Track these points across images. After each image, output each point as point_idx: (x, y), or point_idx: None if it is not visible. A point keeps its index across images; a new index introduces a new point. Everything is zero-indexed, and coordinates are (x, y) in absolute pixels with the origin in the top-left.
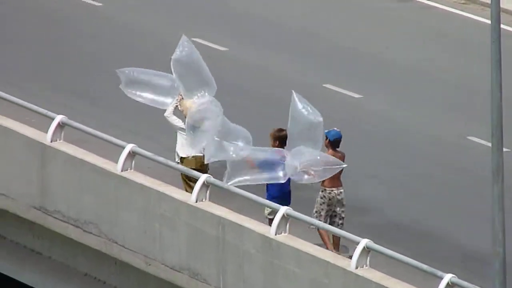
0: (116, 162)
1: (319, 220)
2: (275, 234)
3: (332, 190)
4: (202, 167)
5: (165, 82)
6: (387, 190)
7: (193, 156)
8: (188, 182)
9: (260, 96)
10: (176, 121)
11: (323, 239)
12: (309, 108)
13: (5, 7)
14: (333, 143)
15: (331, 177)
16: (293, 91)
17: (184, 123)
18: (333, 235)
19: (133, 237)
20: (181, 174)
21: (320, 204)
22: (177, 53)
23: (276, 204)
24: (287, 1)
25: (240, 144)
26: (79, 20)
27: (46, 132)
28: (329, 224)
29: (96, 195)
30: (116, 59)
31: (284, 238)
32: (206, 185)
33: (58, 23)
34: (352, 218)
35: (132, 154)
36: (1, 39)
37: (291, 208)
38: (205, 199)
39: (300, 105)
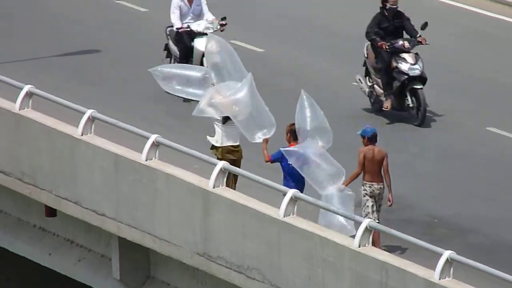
0: (278, 207)
1: (368, 212)
2: (439, 279)
3: (372, 184)
4: (236, 156)
5: (197, 73)
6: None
7: (227, 146)
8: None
9: None
10: (212, 113)
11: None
12: (313, 111)
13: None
14: (371, 138)
15: (371, 171)
16: (302, 90)
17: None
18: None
19: (297, 282)
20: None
21: (364, 196)
22: (209, 46)
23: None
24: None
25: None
26: None
27: (208, 178)
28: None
29: (258, 240)
30: None
31: (448, 282)
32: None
33: None
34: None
35: (294, 199)
36: None
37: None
38: (293, 213)
39: (306, 106)
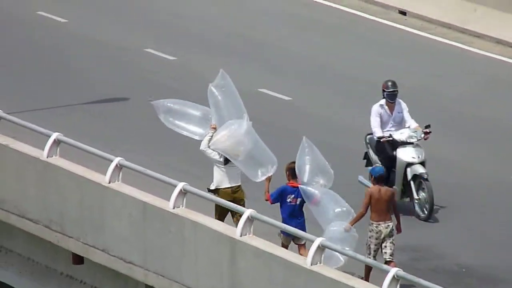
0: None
1: (368, 252)
2: None
3: (379, 224)
4: (236, 197)
5: (197, 112)
6: None
7: (228, 188)
8: (221, 212)
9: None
10: (213, 154)
11: (365, 272)
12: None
13: None
14: (377, 178)
15: (379, 211)
16: (304, 137)
17: (218, 156)
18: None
19: None
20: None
21: (369, 238)
22: (214, 84)
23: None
24: None
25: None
26: None
27: (236, 226)
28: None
29: None
30: None
31: None
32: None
33: None
34: None
35: (321, 248)
36: None
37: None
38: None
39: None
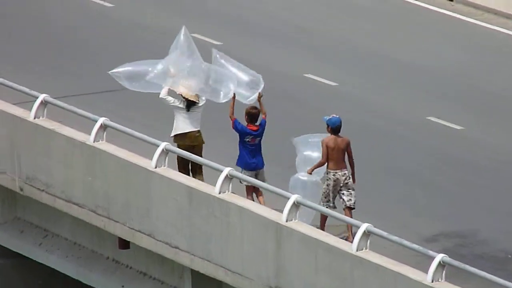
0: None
1: (327, 200)
2: None
3: (336, 172)
4: (194, 142)
5: (157, 67)
6: None
7: (189, 132)
8: (182, 165)
9: None
10: (172, 101)
11: (321, 220)
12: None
13: None
14: (335, 129)
15: (335, 159)
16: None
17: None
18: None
19: None
20: (177, 156)
21: (327, 185)
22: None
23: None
24: None
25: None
26: None
27: (281, 211)
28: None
29: (331, 275)
30: None
31: None
32: (366, 233)
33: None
34: None
35: (367, 234)
36: None
37: None
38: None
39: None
